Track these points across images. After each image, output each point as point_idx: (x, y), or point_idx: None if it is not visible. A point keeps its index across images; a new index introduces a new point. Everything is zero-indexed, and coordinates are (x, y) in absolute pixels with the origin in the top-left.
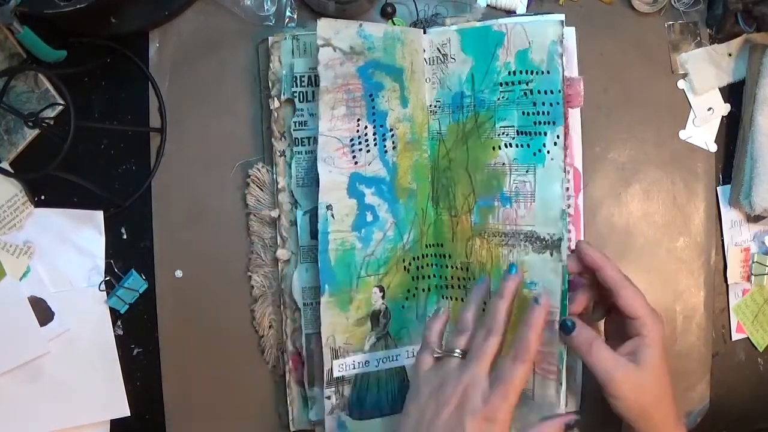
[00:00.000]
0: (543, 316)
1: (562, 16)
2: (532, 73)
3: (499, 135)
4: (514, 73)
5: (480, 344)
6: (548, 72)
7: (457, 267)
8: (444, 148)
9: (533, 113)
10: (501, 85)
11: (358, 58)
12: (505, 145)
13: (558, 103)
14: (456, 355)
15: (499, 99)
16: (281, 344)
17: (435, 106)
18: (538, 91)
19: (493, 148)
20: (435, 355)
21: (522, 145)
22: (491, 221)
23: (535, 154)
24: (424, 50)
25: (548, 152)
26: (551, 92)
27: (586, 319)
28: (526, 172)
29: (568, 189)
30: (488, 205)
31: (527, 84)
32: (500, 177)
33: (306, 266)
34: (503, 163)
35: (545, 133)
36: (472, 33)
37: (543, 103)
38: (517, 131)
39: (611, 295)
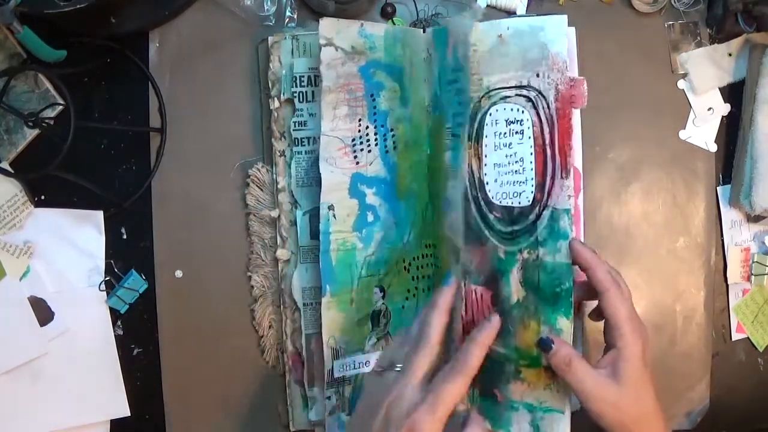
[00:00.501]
0: (491, 334)
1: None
2: (459, 70)
3: (444, 137)
4: (453, 71)
5: (410, 356)
6: (462, 69)
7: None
8: (433, 148)
9: (457, 114)
10: (449, 83)
11: (360, 58)
12: (446, 148)
13: (461, 103)
14: (397, 369)
15: (447, 99)
16: (281, 344)
17: (429, 106)
18: (463, 90)
19: (443, 151)
20: (377, 369)
21: (451, 149)
22: (446, 227)
23: (456, 158)
24: (423, 50)
25: (458, 157)
26: (462, 91)
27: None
28: (455, 177)
29: (568, 189)
30: (444, 210)
31: (458, 82)
32: (446, 182)
33: (306, 266)
34: (447, 167)
35: (459, 136)
36: (437, 32)
37: (460, 103)
38: (452, 134)
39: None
